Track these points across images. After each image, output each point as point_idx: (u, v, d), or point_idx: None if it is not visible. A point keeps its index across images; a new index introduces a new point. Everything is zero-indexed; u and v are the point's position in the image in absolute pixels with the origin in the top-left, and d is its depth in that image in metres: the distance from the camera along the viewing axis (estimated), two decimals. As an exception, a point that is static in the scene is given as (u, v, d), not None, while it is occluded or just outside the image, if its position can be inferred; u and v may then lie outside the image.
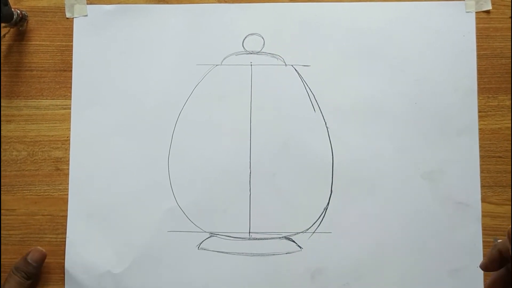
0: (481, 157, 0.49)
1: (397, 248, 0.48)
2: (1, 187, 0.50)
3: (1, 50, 0.51)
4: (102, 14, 0.51)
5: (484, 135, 0.49)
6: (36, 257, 0.48)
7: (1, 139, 0.50)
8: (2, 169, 0.50)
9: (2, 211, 0.50)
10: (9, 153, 0.50)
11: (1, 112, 0.50)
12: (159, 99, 0.50)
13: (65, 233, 0.49)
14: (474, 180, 0.49)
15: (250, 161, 0.49)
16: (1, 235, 0.49)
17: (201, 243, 0.49)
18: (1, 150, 0.50)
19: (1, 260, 0.49)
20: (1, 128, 0.50)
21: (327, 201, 0.49)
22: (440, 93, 0.49)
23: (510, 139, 0.49)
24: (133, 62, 0.51)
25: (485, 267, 0.38)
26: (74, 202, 0.49)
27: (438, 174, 0.49)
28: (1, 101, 0.51)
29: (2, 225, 0.49)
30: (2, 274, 0.49)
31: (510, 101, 0.49)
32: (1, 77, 0.51)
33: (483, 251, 0.48)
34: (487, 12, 0.50)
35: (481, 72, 0.50)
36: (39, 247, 0.49)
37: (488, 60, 0.50)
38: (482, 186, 0.49)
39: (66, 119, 0.50)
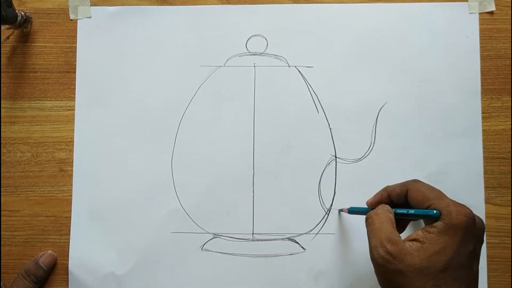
0: (485, 158, 0.49)
1: (401, 249, 0.48)
2: (6, 188, 0.50)
3: (6, 51, 0.51)
4: (106, 16, 0.51)
5: (488, 136, 0.49)
6: (48, 262, 0.48)
7: (6, 140, 0.50)
8: (6, 170, 0.50)
9: (6, 212, 0.50)
10: (13, 154, 0.50)
11: (6, 113, 0.51)
12: (163, 100, 0.50)
13: (69, 234, 0.49)
14: (477, 181, 0.49)
15: (254, 162, 0.49)
16: (6, 236, 0.50)
17: (204, 244, 0.49)
18: (6, 151, 0.50)
19: (6, 261, 0.49)
20: (6, 129, 0.50)
21: (331, 202, 0.49)
22: (444, 94, 0.49)
23: (514, 140, 0.49)
24: (137, 64, 0.51)
25: (371, 203, 0.43)
26: (78, 203, 0.49)
27: (442, 175, 0.49)
28: (6, 102, 0.51)
29: (6, 226, 0.50)
30: (2, 275, 0.49)
31: (514, 102, 0.50)
32: (6, 79, 0.51)
33: (487, 252, 0.48)
34: (491, 13, 0.50)
35: (484, 73, 0.50)
36: (50, 251, 0.49)
37: (492, 61, 0.50)
38: (486, 188, 0.49)
39: (70, 120, 0.50)
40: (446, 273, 0.35)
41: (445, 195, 0.39)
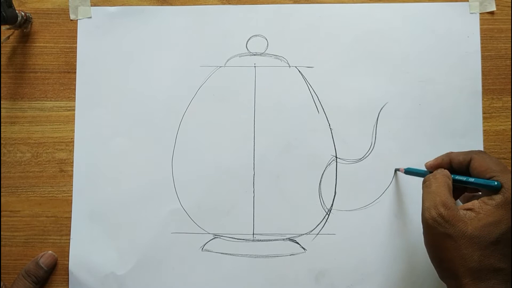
0: (485, 158, 0.49)
1: (401, 249, 0.48)
2: (6, 189, 0.50)
3: (6, 52, 0.51)
4: (106, 16, 0.51)
5: (488, 137, 0.49)
6: (48, 262, 0.48)
7: (6, 141, 0.50)
8: (6, 170, 0.50)
9: (6, 212, 0.50)
10: (13, 155, 0.50)
11: (6, 113, 0.51)
12: (163, 100, 0.50)
13: (69, 234, 0.49)
14: (478, 181, 0.49)
15: (254, 162, 0.49)
16: (6, 236, 0.50)
17: (205, 244, 0.49)
18: (6, 151, 0.50)
19: (6, 261, 0.49)
20: (6, 129, 0.50)
21: (331, 203, 0.49)
22: (444, 94, 0.49)
23: (514, 141, 0.49)
24: (137, 64, 0.51)
25: (430, 166, 0.42)
26: (78, 204, 0.49)
27: (442, 175, 0.49)
28: (6, 102, 0.51)
29: (6, 226, 0.50)
30: (2, 276, 0.49)
31: (514, 102, 0.49)
32: (6, 79, 0.51)
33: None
34: (491, 13, 0.50)
35: (485, 73, 0.50)
36: (51, 252, 0.49)
37: (492, 61, 0.50)
38: (487, 188, 0.49)
39: (70, 120, 0.50)
40: (496, 247, 0.35)
41: (510, 171, 0.38)
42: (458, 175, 0.40)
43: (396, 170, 0.48)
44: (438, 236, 0.36)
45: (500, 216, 0.35)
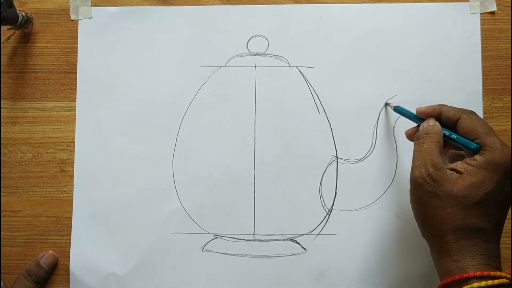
0: (486, 158, 0.49)
1: (402, 250, 0.48)
2: (7, 189, 0.50)
3: (7, 52, 0.51)
4: (107, 16, 0.51)
5: (489, 137, 0.49)
6: (49, 262, 0.48)
7: (7, 141, 0.50)
8: (7, 170, 0.50)
9: (7, 212, 0.50)
10: (14, 155, 0.50)
11: (7, 113, 0.51)
12: (164, 100, 0.50)
13: (70, 234, 0.49)
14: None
15: (255, 162, 0.49)
16: (7, 236, 0.50)
17: (205, 244, 0.49)
18: (7, 151, 0.50)
19: (7, 261, 0.49)
20: (7, 129, 0.50)
21: (332, 203, 0.49)
22: (445, 94, 0.49)
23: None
24: (138, 64, 0.51)
25: (421, 113, 0.43)
26: (79, 204, 0.49)
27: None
28: (7, 102, 0.51)
29: (7, 226, 0.50)
30: (3, 276, 0.49)
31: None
32: (7, 79, 0.51)
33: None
34: (492, 13, 0.50)
35: (486, 73, 0.50)
36: (51, 252, 0.49)
37: (493, 61, 0.50)
38: (487, 188, 0.49)
39: (71, 121, 0.50)
40: (479, 206, 0.36)
41: (495, 134, 0.39)
42: (444, 128, 0.41)
43: (386, 104, 0.48)
44: (425, 194, 0.37)
45: (482, 177, 0.36)
